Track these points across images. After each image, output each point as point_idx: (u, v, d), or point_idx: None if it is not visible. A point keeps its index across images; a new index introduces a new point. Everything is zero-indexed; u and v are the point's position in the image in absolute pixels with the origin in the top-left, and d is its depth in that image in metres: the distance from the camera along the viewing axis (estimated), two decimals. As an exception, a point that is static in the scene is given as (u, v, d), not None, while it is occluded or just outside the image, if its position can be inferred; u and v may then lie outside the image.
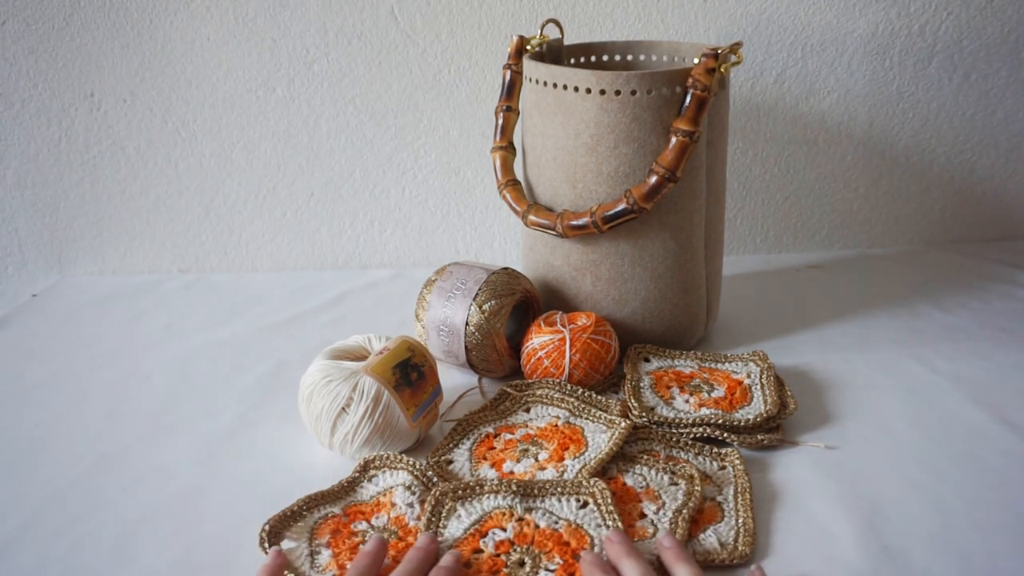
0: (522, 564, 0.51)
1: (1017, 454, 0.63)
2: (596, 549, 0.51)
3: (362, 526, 0.55)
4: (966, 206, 1.08)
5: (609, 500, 0.54)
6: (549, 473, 0.60)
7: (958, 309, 0.89)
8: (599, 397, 0.68)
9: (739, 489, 0.59)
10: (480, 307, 0.73)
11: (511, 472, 0.60)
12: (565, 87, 0.72)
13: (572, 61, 0.85)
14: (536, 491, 0.56)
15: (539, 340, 0.72)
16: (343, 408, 0.61)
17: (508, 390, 0.70)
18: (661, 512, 0.56)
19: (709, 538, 0.54)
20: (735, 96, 0.99)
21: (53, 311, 0.95)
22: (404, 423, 0.63)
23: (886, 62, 1.00)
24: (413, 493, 0.57)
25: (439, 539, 0.53)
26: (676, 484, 0.58)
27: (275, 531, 0.54)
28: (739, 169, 1.03)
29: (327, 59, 0.97)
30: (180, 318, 0.92)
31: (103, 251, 1.04)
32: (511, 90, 0.82)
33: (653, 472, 0.59)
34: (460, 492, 0.56)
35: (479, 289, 0.73)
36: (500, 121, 0.82)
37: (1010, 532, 0.55)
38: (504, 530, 0.53)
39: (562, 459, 0.61)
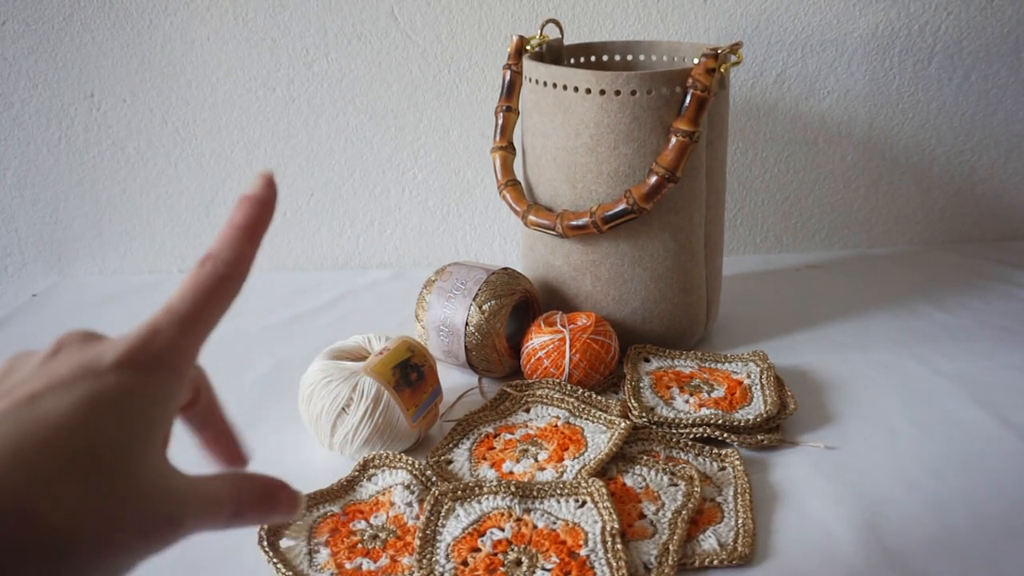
0: (519, 563, 0.51)
1: (1017, 454, 0.63)
2: (591, 544, 0.51)
3: (361, 525, 0.55)
4: (966, 206, 1.08)
5: (606, 497, 0.54)
6: (549, 473, 0.60)
7: (958, 309, 0.89)
8: (599, 397, 0.68)
9: (739, 490, 0.59)
10: (480, 307, 0.73)
11: (511, 472, 0.60)
12: (565, 87, 0.72)
13: (572, 61, 0.85)
14: (535, 492, 0.56)
15: (539, 340, 0.72)
16: (343, 408, 0.61)
17: (508, 390, 0.70)
18: (660, 513, 0.56)
19: (708, 539, 0.54)
20: (735, 96, 0.99)
21: (53, 311, 0.95)
22: (404, 423, 0.63)
23: (886, 62, 1.00)
24: (412, 492, 0.57)
25: (436, 538, 0.53)
26: (676, 485, 0.58)
27: (274, 529, 0.54)
28: (739, 169, 1.03)
29: (327, 59, 0.97)
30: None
31: (103, 251, 1.04)
32: (511, 90, 0.82)
33: (653, 472, 0.59)
34: (459, 492, 0.56)
35: (479, 289, 0.73)
36: (500, 121, 0.82)
37: (1010, 532, 0.55)
38: (502, 530, 0.53)
39: (562, 459, 0.61)
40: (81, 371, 0.25)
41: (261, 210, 0.30)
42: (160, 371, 0.27)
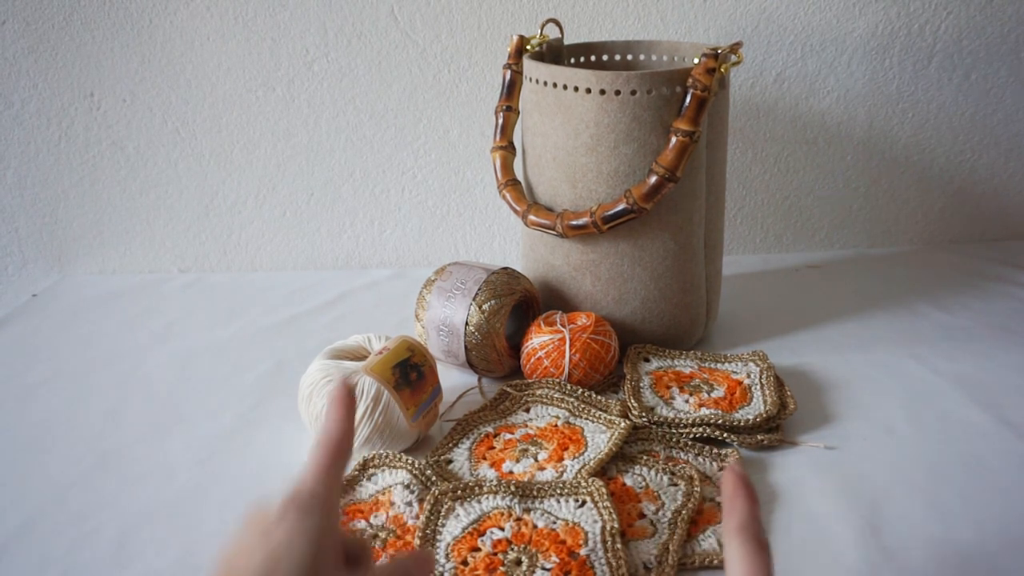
0: (519, 563, 0.51)
1: (1017, 454, 0.63)
2: (591, 544, 0.51)
3: (361, 524, 0.55)
4: (966, 206, 1.08)
5: (606, 496, 0.54)
6: (548, 473, 0.60)
7: (958, 309, 0.89)
8: (599, 397, 0.68)
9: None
10: (480, 307, 0.73)
11: (510, 472, 0.60)
12: (565, 87, 0.72)
13: (572, 61, 0.85)
14: (535, 492, 0.56)
15: (539, 340, 0.72)
16: (343, 408, 0.61)
17: (508, 390, 0.70)
18: (660, 512, 0.56)
19: (708, 539, 0.54)
20: (735, 96, 0.99)
21: (53, 311, 0.95)
22: (404, 423, 0.63)
23: (886, 62, 1.00)
24: (412, 492, 0.57)
25: (436, 538, 0.53)
26: (675, 485, 0.58)
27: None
28: (739, 169, 1.03)
29: (327, 59, 0.97)
30: (180, 318, 0.92)
31: (103, 251, 1.04)
32: (511, 90, 0.82)
33: (652, 472, 0.59)
34: (459, 492, 0.56)
35: (479, 289, 0.73)
36: (500, 121, 0.82)
37: (1010, 532, 0.55)
38: (502, 529, 0.53)
39: (561, 459, 0.61)
40: (259, 534, 0.35)
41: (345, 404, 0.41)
42: (306, 514, 0.36)
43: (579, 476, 0.58)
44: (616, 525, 0.52)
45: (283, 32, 0.96)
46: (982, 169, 1.06)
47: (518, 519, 0.54)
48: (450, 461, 0.63)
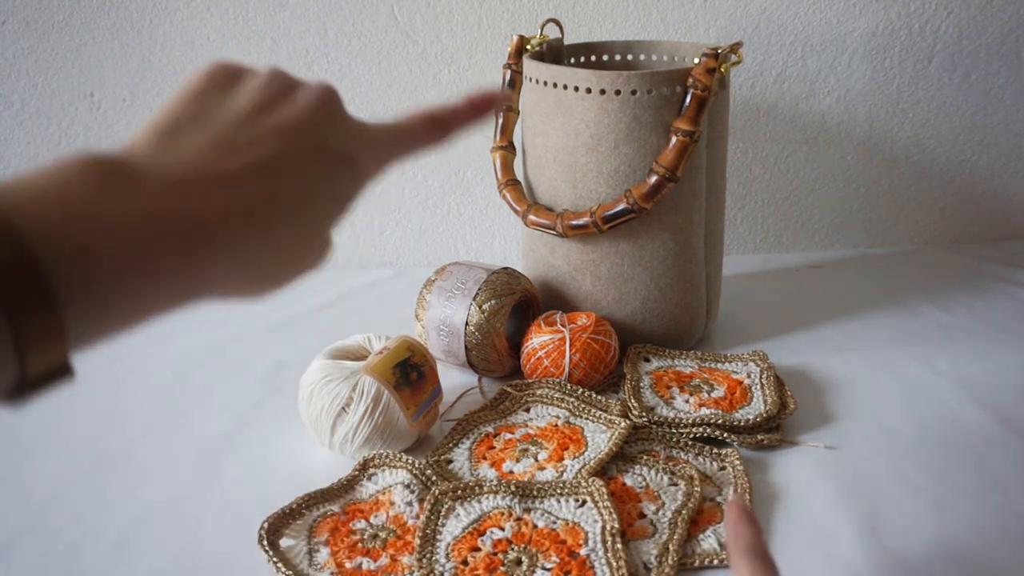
0: (519, 563, 0.51)
1: (1017, 454, 0.63)
2: (591, 544, 0.51)
3: (361, 524, 0.56)
4: (966, 206, 1.08)
5: (606, 496, 0.54)
6: (549, 473, 0.60)
7: (958, 309, 0.89)
8: (599, 397, 0.68)
9: (739, 490, 0.59)
10: (480, 307, 0.73)
11: (511, 472, 0.60)
12: (565, 87, 0.72)
13: (572, 61, 0.85)
14: (535, 492, 0.56)
15: (539, 340, 0.72)
16: (343, 408, 0.61)
17: (508, 390, 0.70)
18: (660, 512, 0.56)
19: (708, 538, 0.54)
20: (735, 96, 0.99)
21: (53, 311, 0.94)
22: (404, 423, 0.63)
23: (886, 62, 1.00)
24: (412, 492, 0.57)
25: (436, 538, 0.53)
26: (676, 484, 0.58)
27: (274, 529, 0.54)
28: (739, 169, 1.03)
29: (327, 59, 0.97)
30: (180, 318, 0.91)
31: (103, 251, 1.04)
32: (511, 90, 0.82)
33: (653, 472, 0.59)
34: (459, 492, 0.56)
35: (479, 289, 0.73)
36: (500, 121, 0.82)
37: (1010, 532, 0.55)
38: (502, 529, 0.53)
39: (562, 459, 0.61)
40: (311, 152, 0.33)
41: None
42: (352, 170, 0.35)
43: (579, 476, 0.58)
44: (616, 525, 0.52)
45: (283, 32, 0.96)
46: (982, 169, 1.06)
47: (518, 519, 0.54)
48: (450, 461, 0.63)
